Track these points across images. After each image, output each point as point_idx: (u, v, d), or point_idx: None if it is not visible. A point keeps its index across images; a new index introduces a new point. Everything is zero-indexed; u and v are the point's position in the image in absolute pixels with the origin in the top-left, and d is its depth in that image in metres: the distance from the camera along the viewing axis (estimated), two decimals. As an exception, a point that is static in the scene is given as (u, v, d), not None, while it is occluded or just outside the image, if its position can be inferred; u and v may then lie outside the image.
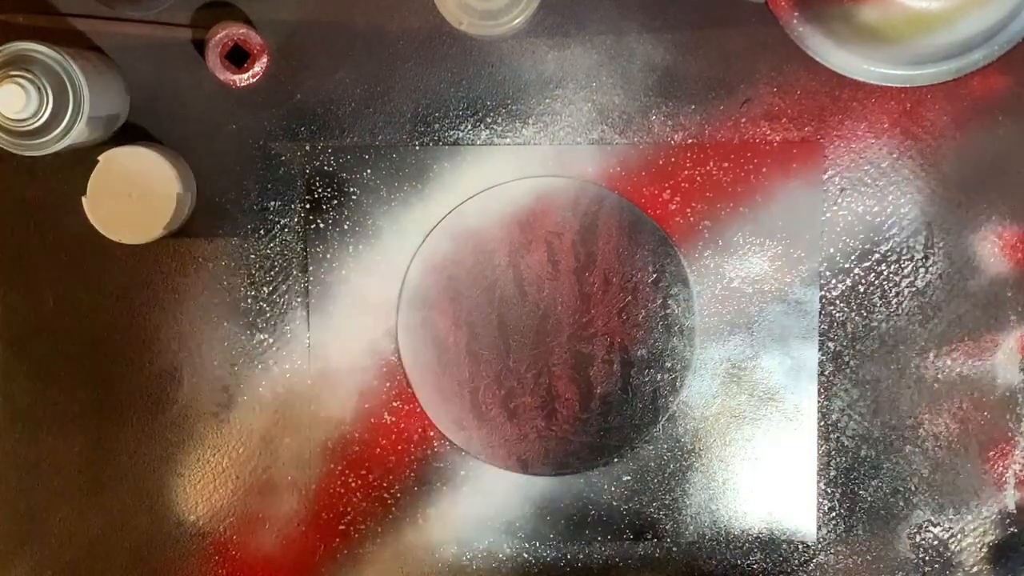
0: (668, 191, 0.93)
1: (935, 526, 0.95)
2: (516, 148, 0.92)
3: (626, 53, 0.92)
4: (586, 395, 0.94)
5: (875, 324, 0.94)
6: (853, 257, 0.93)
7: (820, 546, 0.95)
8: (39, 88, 0.80)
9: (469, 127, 0.92)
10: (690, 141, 0.93)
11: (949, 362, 0.94)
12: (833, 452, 0.94)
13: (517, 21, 0.84)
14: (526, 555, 0.95)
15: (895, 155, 0.93)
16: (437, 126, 0.92)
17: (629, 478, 0.94)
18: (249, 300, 0.93)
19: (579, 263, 0.93)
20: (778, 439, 0.94)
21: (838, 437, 0.94)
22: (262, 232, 0.93)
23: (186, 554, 0.94)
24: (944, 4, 0.85)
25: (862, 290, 0.93)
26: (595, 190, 0.93)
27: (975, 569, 0.95)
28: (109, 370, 0.93)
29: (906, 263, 0.93)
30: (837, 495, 0.94)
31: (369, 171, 0.92)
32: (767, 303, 0.93)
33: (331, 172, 0.92)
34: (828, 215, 0.93)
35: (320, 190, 0.92)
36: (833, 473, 0.94)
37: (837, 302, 0.93)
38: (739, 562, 0.95)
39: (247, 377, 0.93)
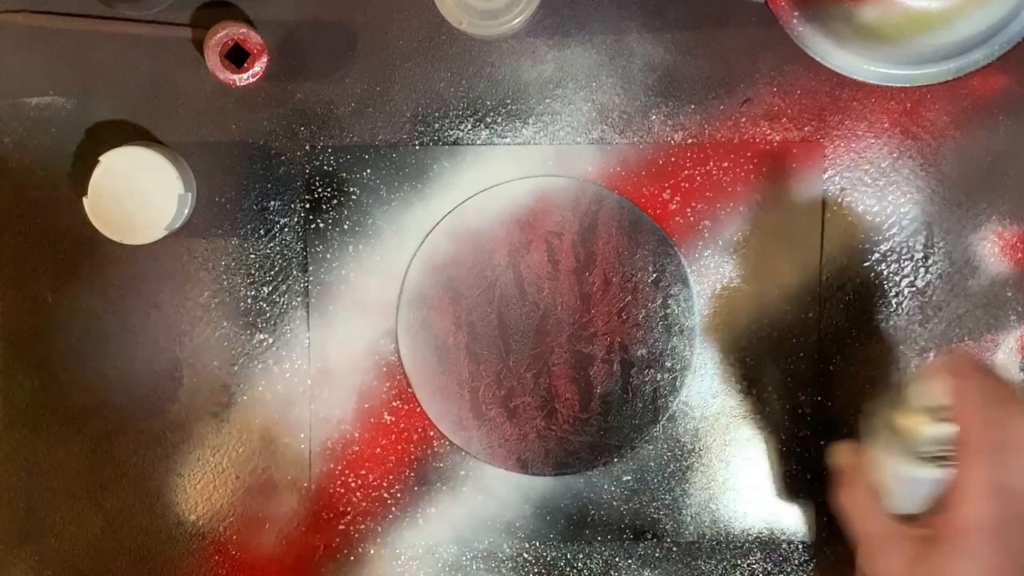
0: (668, 191, 0.93)
1: (935, 526, 0.95)
2: (516, 148, 0.92)
3: (626, 53, 0.92)
4: (586, 395, 0.94)
5: (875, 324, 0.94)
6: (853, 257, 0.93)
7: (820, 546, 0.95)
8: None
9: (469, 127, 0.92)
10: (690, 141, 0.93)
11: (949, 362, 0.94)
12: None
13: (517, 21, 0.84)
14: (526, 555, 0.95)
15: (895, 155, 0.93)
16: (437, 126, 0.92)
17: (629, 478, 0.94)
18: (249, 300, 0.93)
19: (579, 263, 0.93)
20: (778, 439, 0.94)
21: (838, 437, 0.94)
22: (262, 232, 0.93)
23: (186, 554, 0.94)
24: (944, 4, 0.85)
25: (862, 290, 0.93)
26: (595, 190, 0.93)
27: (975, 569, 0.95)
28: (109, 370, 0.93)
29: (906, 263, 0.94)
30: (837, 495, 0.94)
31: (369, 171, 0.92)
32: (767, 303, 0.93)
33: (331, 172, 0.92)
34: (828, 215, 0.93)
35: (320, 190, 0.92)
36: (833, 473, 0.94)
37: (837, 302, 0.93)
38: (739, 562, 0.95)
39: (247, 377, 0.93)
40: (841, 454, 0.80)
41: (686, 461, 0.94)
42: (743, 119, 0.92)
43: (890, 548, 0.76)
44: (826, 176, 0.93)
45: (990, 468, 0.72)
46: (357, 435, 0.94)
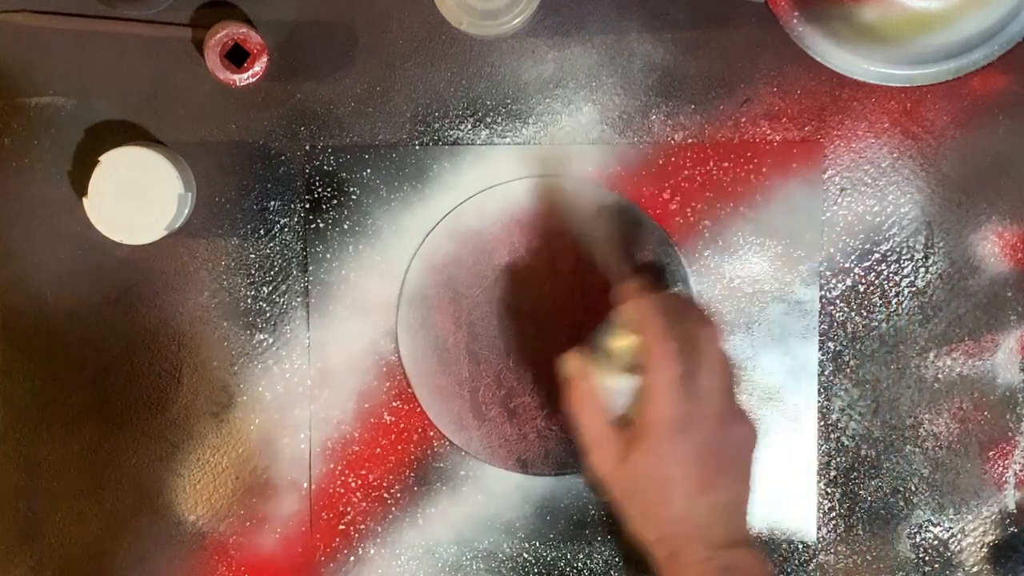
0: (668, 191, 0.93)
1: (935, 526, 0.95)
2: (516, 148, 0.92)
3: (626, 53, 0.92)
4: (586, 395, 0.94)
5: (875, 324, 0.94)
6: (853, 257, 0.93)
7: (820, 546, 0.95)
8: None
9: (469, 127, 0.92)
10: (690, 141, 0.93)
11: (949, 362, 0.94)
12: (833, 452, 0.94)
13: (517, 21, 0.84)
14: (526, 555, 0.95)
15: (895, 155, 0.93)
16: (437, 126, 0.92)
17: (629, 478, 0.94)
18: (249, 300, 0.93)
19: (579, 263, 0.93)
20: (778, 439, 0.94)
21: (838, 437, 0.94)
22: (262, 232, 0.93)
23: (186, 554, 0.94)
24: (944, 4, 0.85)
25: (862, 290, 0.93)
26: (595, 190, 0.93)
27: (975, 569, 0.95)
28: (109, 370, 0.93)
29: (906, 263, 0.94)
30: (837, 495, 0.94)
31: (369, 171, 0.92)
32: (767, 303, 0.93)
33: (331, 172, 0.92)
34: (828, 215, 0.93)
35: (320, 190, 0.92)
36: (833, 473, 0.94)
37: (837, 302, 0.93)
38: (739, 562, 0.95)
39: (247, 377, 0.93)
40: (569, 362, 0.86)
41: (686, 461, 0.94)
42: (743, 119, 0.92)
43: (602, 449, 0.84)
44: (826, 176, 0.93)
45: (670, 370, 0.81)
46: (357, 435, 0.94)
